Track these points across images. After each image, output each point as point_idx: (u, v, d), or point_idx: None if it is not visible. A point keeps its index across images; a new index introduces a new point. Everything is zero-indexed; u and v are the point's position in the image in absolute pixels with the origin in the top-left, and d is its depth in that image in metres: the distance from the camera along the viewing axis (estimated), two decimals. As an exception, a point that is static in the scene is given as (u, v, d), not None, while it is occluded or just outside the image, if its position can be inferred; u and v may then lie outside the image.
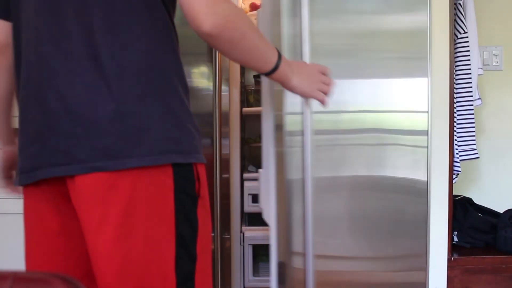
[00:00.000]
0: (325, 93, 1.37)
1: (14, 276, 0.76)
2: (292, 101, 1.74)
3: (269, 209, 1.71)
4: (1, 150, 1.36)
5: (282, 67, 1.26)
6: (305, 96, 1.38)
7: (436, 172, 1.84)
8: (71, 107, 1.06)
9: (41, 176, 1.11)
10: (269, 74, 1.25)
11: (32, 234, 1.17)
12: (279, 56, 1.25)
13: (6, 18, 1.22)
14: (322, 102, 1.37)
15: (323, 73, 1.37)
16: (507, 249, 2.03)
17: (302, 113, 1.64)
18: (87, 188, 1.06)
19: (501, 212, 2.16)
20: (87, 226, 1.08)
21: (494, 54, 2.46)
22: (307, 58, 1.59)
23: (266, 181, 1.71)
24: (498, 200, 2.36)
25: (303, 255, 1.64)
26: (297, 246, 1.75)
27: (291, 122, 1.76)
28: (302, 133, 1.65)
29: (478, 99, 2.20)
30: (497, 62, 2.47)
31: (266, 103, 1.69)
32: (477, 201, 2.29)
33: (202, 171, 1.16)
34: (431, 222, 1.82)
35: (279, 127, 1.76)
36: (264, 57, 1.23)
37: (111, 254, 1.08)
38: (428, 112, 1.79)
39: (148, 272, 1.10)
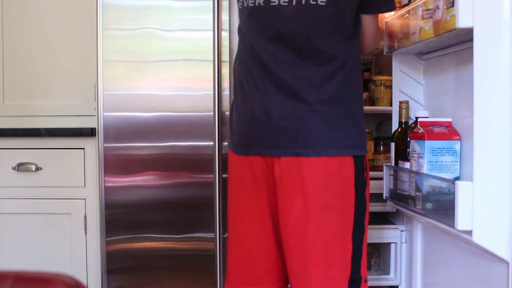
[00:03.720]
0: None
1: (14, 276, 0.76)
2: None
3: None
4: None
5: None
6: None
7: None
8: (267, 111, 1.48)
9: (252, 153, 1.52)
10: None
11: (234, 191, 1.60)
12: None
13: None
14: None
15: None
16: None
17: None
18: (289, 166, 1.45)
19: None
20: (285, 198, 1.46)
21: None
22: None
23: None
24: None
25: None
26: None
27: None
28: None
29: None
30: None
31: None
32: None
33: (367, 161, 1.55)
34: None
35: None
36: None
37: (308, 218, 1.43)
38: None
39: (334, 240, 1.44)
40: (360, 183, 1.51)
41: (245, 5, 1.52)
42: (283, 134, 1.46)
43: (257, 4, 1.49)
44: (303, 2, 1.44)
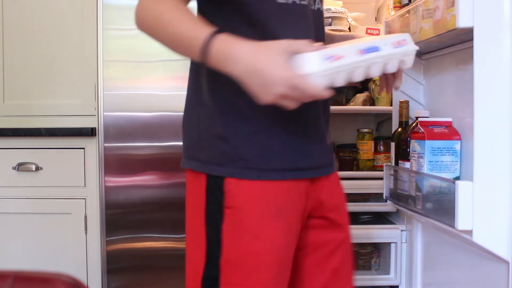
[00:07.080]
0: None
1: (14, 276, 0.76)
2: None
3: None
4: None
5: (213, 56, 1.03)
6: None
7: None
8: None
9: None
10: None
11: None
12: (207, 44, 1.03)
13: None
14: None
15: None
16: None
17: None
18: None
19: None
20: None
21: None
22: None
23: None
24: None
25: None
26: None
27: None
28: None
29: None
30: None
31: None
32: None
33: (240, 185, 1.13)
34: None
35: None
36: (185, 49, 1.09)
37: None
38: None
39: (192, 260, 1.20)
40: (213, 214, 1.15)
41: None
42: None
43: None
44: None
